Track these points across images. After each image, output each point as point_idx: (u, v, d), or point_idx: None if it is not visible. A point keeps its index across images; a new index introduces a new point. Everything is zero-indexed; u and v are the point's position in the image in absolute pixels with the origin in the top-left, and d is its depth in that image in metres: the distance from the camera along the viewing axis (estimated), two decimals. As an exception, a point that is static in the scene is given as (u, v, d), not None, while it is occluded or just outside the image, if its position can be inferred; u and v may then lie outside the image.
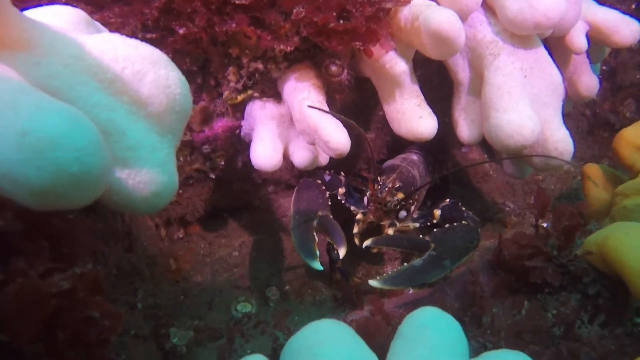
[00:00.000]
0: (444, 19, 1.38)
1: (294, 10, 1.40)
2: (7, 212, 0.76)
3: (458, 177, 2.36)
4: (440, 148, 2.17)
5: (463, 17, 1.58)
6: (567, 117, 2.60)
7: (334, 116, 1.51)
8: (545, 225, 1.76)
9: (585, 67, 1.88)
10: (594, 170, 2.12)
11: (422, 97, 1.60)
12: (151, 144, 1.04)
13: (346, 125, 1.55)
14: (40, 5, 1.22)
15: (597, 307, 1.64)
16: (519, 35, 1.60)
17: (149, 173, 1.02)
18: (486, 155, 2.46)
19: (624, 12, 1.78)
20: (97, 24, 1.31)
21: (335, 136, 1.51)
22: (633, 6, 2.28)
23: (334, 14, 1.40)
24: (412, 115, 1.55)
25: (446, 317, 1.16)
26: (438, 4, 1.55)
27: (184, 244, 2.03)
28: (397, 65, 1.53)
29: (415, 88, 1.60)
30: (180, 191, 1.92)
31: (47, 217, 0.84)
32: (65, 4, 1.28)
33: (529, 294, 1.70)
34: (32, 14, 1.11)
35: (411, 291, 1.84)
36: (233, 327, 1.73)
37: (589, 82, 1.89)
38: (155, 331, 1.59)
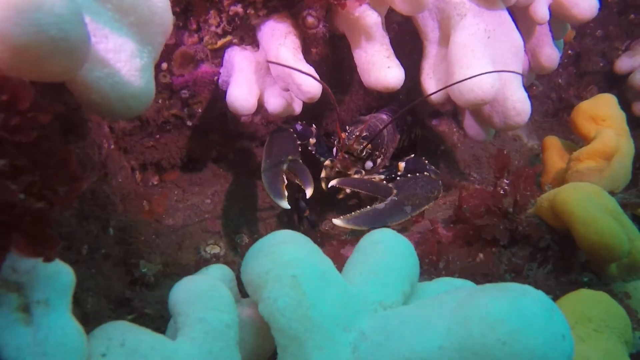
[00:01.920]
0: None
1: None
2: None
3: (426, 146, 2.47)
4: (409, 113, 2.27)
5: (433, -23, 1.69)
6: (533, 98, 2.74)
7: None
8: (505, 185, 1.88)
9: (547, 39, 1.99)
10: (553, 141, 2.26)
11: (391, 50, 1.69)
12: (131, 50, 1.11)
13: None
14: None
15: (545, 258, 1.76)
16: (484, -1, 1.71)
17: (127, 76, 1.09)
18: (455, 129, 2.57)
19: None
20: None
21: (307, 80, 1.60)
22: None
23: (312, -32, 1.50)
24: (380, 65, 1.65)
25: (398, 236, 1.25)
26: (411, -37, 1.65)
27: (158, 189, 2.09)
28: (369, 17, 1.63)
29: (386, 41, 1.69)
30: (157, 136, 1.98)
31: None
32: None
33: (484, 245, 1.81)
34: None
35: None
36: (202, 264, 1.80)
37: (549, 53, 2.01)
38: (125, 259, 1.65)
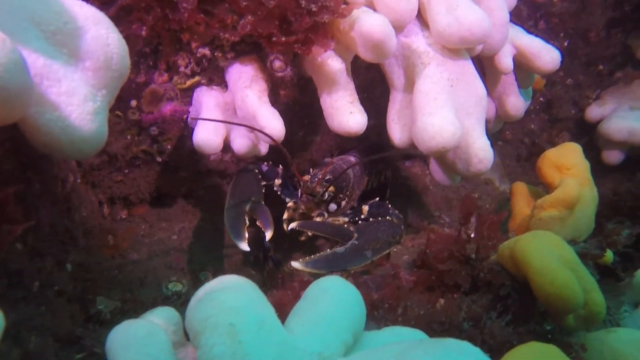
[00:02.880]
0: (375, 23, 1.53)
1: (240, 22, 1.54)
2: None
3: (398, 189, 2.49)
4: (379, 153, 2.29)
5: (399, 27, 1.74)
6: (506, 143, 2.80)
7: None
8: (472, 234, 1.89)
9: (512, 88, 2.04)
10: (520, 187, 2.29)
11: (355, 95, 1.73)
12: (84, 94, 1.13)
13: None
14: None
15: (505, 307, 1.76)
16: (449, 48, 1.76)
17: (78, 119, 1.11)
18: (428, 171, 2.60)
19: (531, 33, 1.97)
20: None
21: (272, 123, 1.63)
22: (565, 43, 2.49)
23: (277, 22, 1.54)
24: (344, 110, 1.68)
25: (346, 285, 1.25)
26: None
27: (126, 224, 2.09)
28: (334, 63, 1.67)
29: (350, 87, 1.73)
30: (126, 171, 1.99)
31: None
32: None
33: (446, 292, 1.82)
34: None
35: (336, 278, 1.93)
36: (160, 302, 1.79)
37: (515, 102, 2.05)
38: (82, 295, 1.64)
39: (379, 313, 1.74)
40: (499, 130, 2.57)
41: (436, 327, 1.70)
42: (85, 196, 1.90)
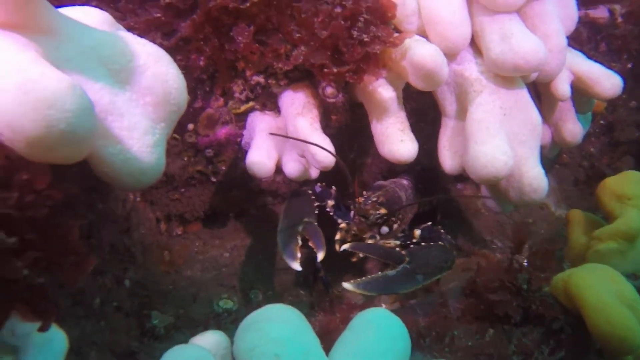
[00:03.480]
0: (427, 53, 1.53)
1: (293, 53, 1.59)
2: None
3: (449, 211, 2.46)
4: (432, 178, 2.28)
5: (451, 54, 1.74)
6: (564, 166, 2.71)
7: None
8: (525, 262, 1.85)
9: (570, 115, 1.99)
10: (577, 215, 2.20)
11: (406, 123, 1.73)
12: (144, 128, 1.20)
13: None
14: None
15: (558, 342, 1.71)
16: (502, 76, 1.73)
17: (138, 152, 1.18)
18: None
19: (618, 71, 1.90)
20: (120, 27, 1.50)
21: (321, 150, 1.66)
22: (629, 65, 2.39)
23: (329, 53, 1.58)
24: (394, 138, 1.69)
25: (391, 317, 1.26)
26: (429, 40, 1.70)
27: (181, 240, 2.18)
28: (385, 92, 1.68)
29: (401, 114, 1.73)
30: (182, 190, 2.08)
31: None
32: (96, 6, 1.48)
33: (495, 322, 1.78)
34: (67, 10, 1.31)
35: (383, 306, 1.93)
36: (212, 319, 1.85)
37: (572, 129, 1.99)
38: (138, 310, 1.72)
39: (425, 342, 1.74)
40: (568, 149, 2.50)
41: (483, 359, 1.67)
42: (144, 214, 2.00)
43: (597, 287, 1.59)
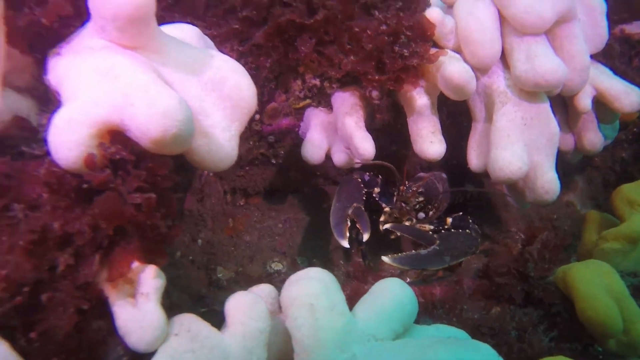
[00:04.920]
0: (455, 70, 1.82)
1: (343, 61, 1.91)
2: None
3: (481, 203, 2.73)
4: (466, 174, 2.56)
5: (483, 69, 2.01)
6: (595, 169, 2.89)
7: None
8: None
9: (591, 126, 2.21)
10: (593, 216, 2.43)
11: (438, 127, 2.03)
12: (223, 126, 1.57)
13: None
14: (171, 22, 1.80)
15: (553, 324, 1.99)
16: (526, 90, 1.99)
17: (219, 144, 1.56)
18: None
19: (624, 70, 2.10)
20: (206, 37, 1.86)
21: (363, 144, 1.99)
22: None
23: (373, 63, 1.88)
24: (425, 139, 1.99)
25: (404, 286, 1.58)
26: (463, 56, 1.98)
27: (242, 210, 2.58)
28: (420, 100, 1.98)
29: (434, 119, 2.03)
30: (247, 168, 2.47)
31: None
32: (187, 22, 1.85)
33: (502, 302, 2.08)
34: (167, 28, 1.69)
35: (408, 280, 2.27)
36: (265, 277, 2.25)
37: (592, 139, 2.22)
38: (207, 265, 2.15)
39: (439, 312, 2.06)
40: (590, 156, 2.71)
41: (485, 331, 1.97)
42: (215, 187, 2.40)
43: (589, 279, 1.85)
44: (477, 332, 1.92)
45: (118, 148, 1.28)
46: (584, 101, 2.07)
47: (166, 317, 1.36)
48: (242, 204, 2.61)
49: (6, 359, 1.20)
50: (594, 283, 1.83)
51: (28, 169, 1.35)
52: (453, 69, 1.82)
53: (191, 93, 1.51)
